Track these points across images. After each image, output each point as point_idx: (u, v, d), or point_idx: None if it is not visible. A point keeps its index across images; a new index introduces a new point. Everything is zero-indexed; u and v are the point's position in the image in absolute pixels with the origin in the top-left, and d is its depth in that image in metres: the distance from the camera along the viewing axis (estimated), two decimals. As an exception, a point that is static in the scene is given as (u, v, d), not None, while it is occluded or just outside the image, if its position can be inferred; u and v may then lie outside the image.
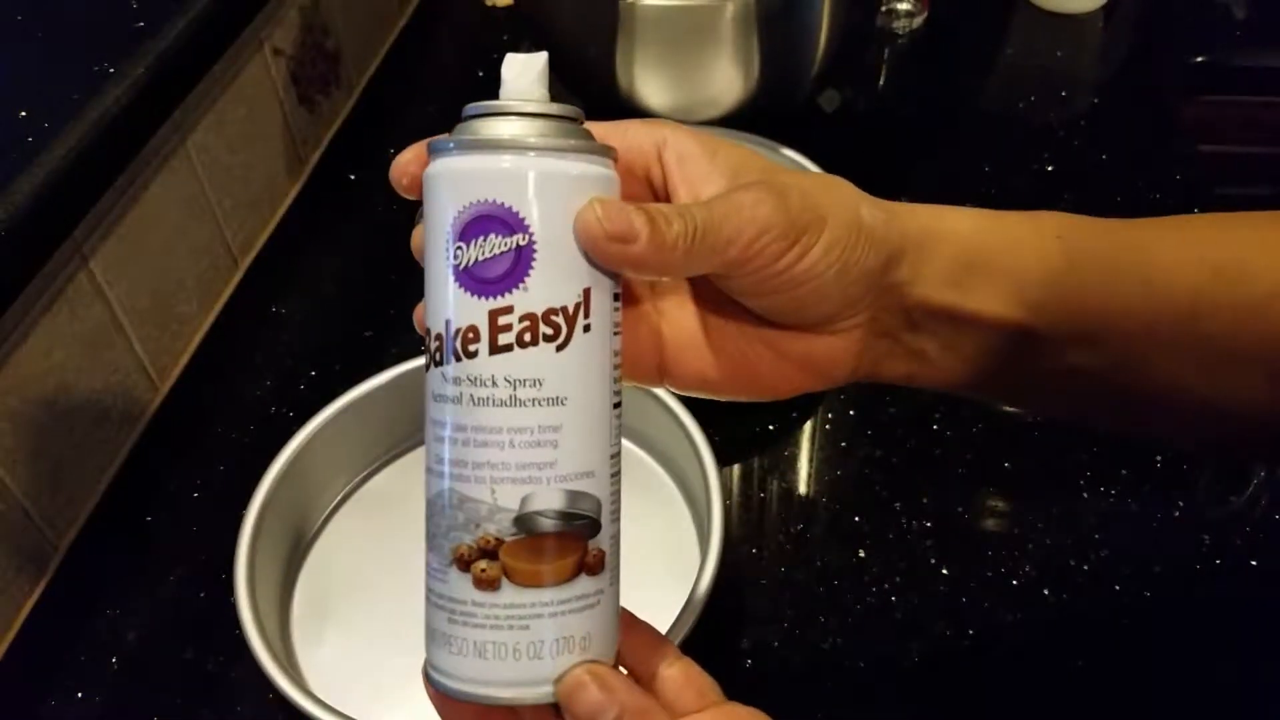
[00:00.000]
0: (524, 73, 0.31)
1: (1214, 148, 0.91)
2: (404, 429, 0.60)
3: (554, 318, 0.30)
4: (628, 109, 0.78)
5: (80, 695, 0.54)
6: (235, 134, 0.73)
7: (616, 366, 0.32)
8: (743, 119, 0.76)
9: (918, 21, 0.96)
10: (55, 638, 0.56)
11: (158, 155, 0.65)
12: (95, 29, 0.63)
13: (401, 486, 0.60)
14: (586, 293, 0.31)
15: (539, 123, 0.31)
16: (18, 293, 0.53)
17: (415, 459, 0.60)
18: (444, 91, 0.94)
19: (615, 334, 0.32)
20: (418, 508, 0.62)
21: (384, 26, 0.98)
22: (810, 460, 0.62)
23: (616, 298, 0.32)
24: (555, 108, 0.31)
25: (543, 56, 0.32)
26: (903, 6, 0.95)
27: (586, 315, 0.31)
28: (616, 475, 0.32)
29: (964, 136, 0.86)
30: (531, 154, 0.30)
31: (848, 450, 0.62)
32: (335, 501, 0.59)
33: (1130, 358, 0.38)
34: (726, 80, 0.75)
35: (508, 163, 0.30)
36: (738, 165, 0.35)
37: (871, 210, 0.36)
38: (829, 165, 0.71)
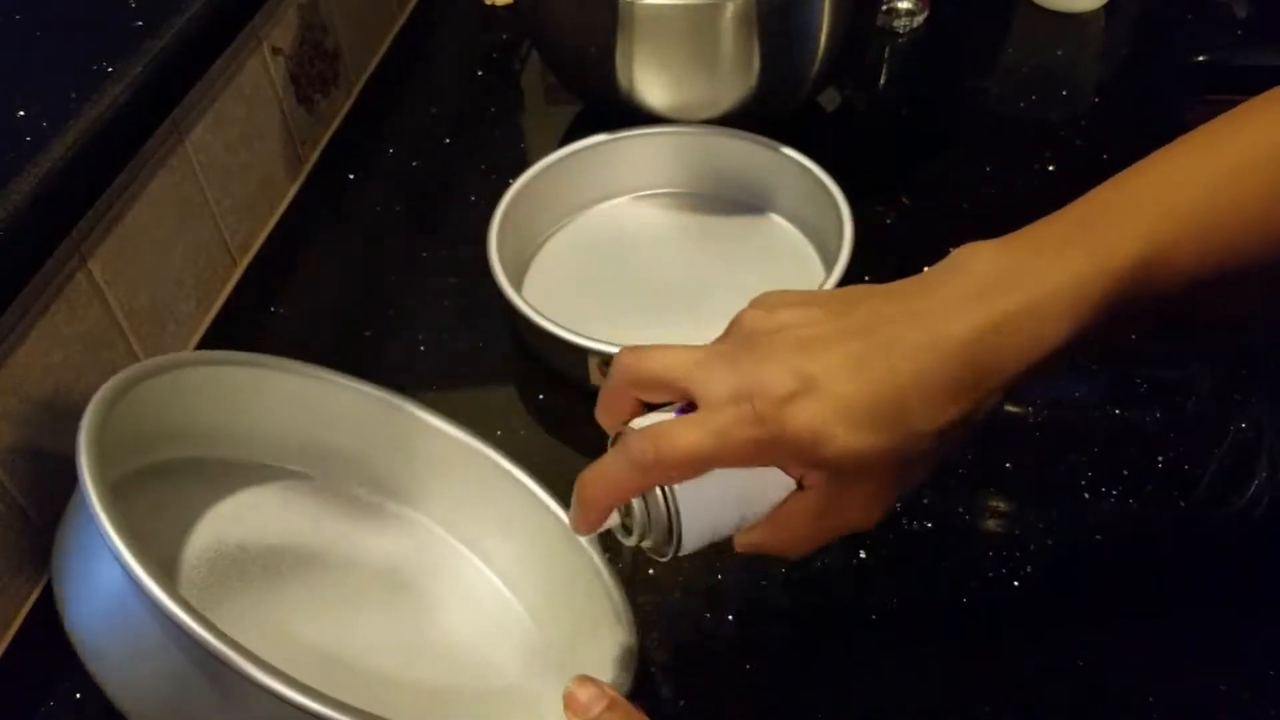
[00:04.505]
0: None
1: (1215, 147, 0.91)
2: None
3: None
4: (628, 109, 0.78)
5: (79, 696, 0.54)
6: (234, 133, 0.73)
7: None
8: (743, 119, 0.76)
9: (918, 21, 0.96)
10: (54, 639, 0.56)
11: (156, 154, 0.65)
12: (93, 28, 0.63)
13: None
14: None
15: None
16: (16, 293, 0.53)
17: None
18: (443, 91, 0.94)
19: None
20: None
21: (383, 26, 0.98)
22: (810, 461, 0.62)
23: None
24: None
25: None
26: (903, 5, 0.95)
27: None
28: None
29: (965, 136, 0.86)
30: None
31: (848, 451, 0.62)
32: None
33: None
34: (726, 80, 0.75)
35: None
36: None
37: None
38: (829, 165, 0.71)
